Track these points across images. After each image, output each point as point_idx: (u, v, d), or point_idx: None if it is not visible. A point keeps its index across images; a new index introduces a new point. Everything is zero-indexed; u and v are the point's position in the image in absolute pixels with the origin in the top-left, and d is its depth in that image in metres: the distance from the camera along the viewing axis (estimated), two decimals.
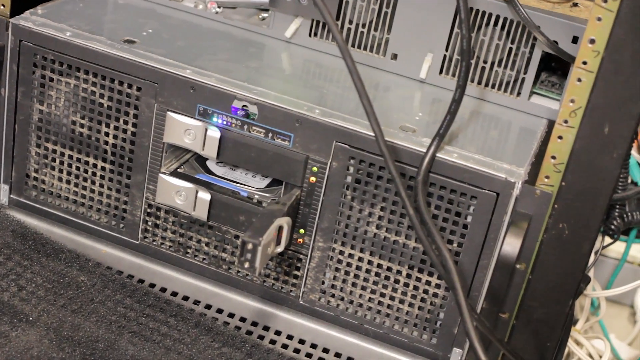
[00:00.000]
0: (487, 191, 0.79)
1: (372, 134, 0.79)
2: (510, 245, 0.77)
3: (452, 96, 0.80)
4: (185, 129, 0.86)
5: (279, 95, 0.85)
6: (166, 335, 0.85)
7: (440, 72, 0.92)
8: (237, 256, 0.89)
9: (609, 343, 0.99)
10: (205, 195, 0.87)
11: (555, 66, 0.94)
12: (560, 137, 0.76)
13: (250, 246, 0.76)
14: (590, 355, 0.96)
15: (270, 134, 0.84)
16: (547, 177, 0.77)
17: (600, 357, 0.96)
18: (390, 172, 0.76)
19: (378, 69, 0.94)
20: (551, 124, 0.89)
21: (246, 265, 0.76)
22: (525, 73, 0.90)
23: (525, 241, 0.78)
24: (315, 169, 0.84)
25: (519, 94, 0.91)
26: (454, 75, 0.92)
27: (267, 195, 0.89)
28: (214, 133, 0.85)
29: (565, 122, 0.75)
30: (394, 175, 0.76)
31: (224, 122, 0.85)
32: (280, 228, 0.81)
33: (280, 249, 0.82)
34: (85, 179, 0.93)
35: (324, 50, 0.96)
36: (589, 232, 0.76)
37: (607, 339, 1.18)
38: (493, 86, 0.91)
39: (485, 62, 0.90)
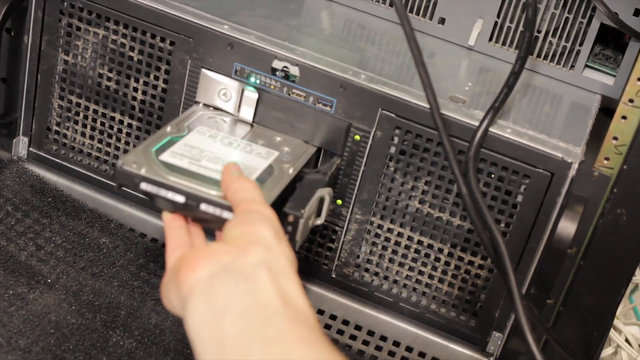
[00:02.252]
0: (541, 170, 0.74)
1: (422, 104, 0.75)
2: (565, 229, 0.72)
3: (502, 65, 0.75)
4: (220, 89, 0.81)
5: (321, 57, 0.80)
6: None
7: (490, 39, 0.87)
8: None
9: None
10: None
11: (609, 39, 0.89)
12: (624, 117, 0.72)
13: (291, 218, 0.71)
14: (628, 341, 0.92)
15: (311, 98, 0.79)
16: (606, 158, 0.73)
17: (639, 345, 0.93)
18: (444, 147, 0.71)
19: (423, 33, 0.89)
20: (604, 100, 0.85)
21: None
22: (580, 45, 0.85)
23: (579, 225, 0.73)
24: (357, 137, 0.79)
25: (572, 66, 0.86)
26: (504, 43, 0.87)
27: None
28: (252, 94, 0.80)
29: (631, 101, 0.71)
30: (448, 151, 0.71)
31: (262, 83, 0.80)
32: (321, 199, 0.76)
33: (320, 221, 0.77)
34: (109, 135, 0.88)
35: (366, 10, 0.91)
36: None
37: None
38: (545, 57, 0.86)
39: (539, 31, 0.85)
